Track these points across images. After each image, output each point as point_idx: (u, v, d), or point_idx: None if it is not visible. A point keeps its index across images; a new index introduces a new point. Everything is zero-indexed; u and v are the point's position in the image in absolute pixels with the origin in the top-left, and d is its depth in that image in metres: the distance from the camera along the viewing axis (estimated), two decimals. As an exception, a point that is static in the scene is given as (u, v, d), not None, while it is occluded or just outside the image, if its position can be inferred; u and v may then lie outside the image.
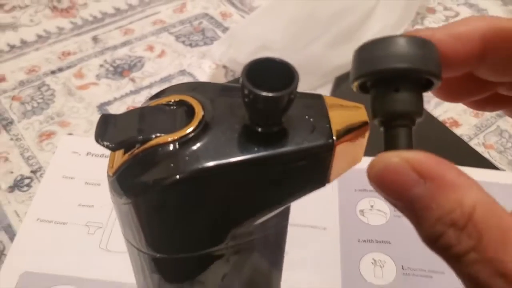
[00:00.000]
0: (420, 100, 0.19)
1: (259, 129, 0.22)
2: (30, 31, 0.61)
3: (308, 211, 0.43)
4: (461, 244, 0.16)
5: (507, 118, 0.53)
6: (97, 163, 0.47)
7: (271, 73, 0.21)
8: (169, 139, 0.21)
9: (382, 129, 0.20)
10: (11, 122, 0.51)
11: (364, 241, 0.42)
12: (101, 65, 0.57)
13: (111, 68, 0.57)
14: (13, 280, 0.39)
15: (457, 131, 0.52)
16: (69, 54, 0.58)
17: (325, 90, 0.53)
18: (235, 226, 0.24)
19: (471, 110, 0.54)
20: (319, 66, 0.53)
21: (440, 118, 0.53)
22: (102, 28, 0.62)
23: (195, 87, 0.24)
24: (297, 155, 0.22)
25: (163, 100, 0.23)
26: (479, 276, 0.16)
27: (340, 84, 0.54)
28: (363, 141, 0.23)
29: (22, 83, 0.55)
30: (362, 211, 0.44)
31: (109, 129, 0.22)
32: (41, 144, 0.49)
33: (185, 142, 0.21)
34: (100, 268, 0.40)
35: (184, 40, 0.60)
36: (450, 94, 0.23)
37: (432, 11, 0.67)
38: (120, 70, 0.56)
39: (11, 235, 0.42)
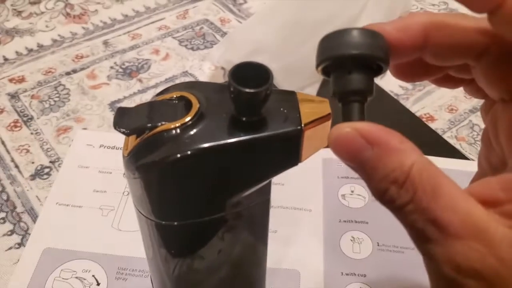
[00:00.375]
0: (370, 81, 0.23)
1: (243, 118, 0.27)
2: (46, 35, 0.67)
3: (295, 195, 0.49)
4: (401, 198, 0.19)
5: (479, 113, 0.59)
6: (109, 154, 0.52)
7: (251, 74, 0.26)
8: (172, 126, 0.27)
9: (340, 105, 0.23)
10: (31, 118, 0.56)
11: (345, 221, 0.47)
12: (112, 67, 0.63)
13: (120, 70, 0.62)
14: (37, 255, 0.44)
15: (433, 125, 0.57)
16: (82, 57, 0.64)
17: (313, 88, 0.59)
18: (226, 197, 0.30)
19: (446, 106, 0.60)
20: (308, 67, 0.58)
21: (418, 114, 0.58)
22: (112, 33, 0.67)
23: (193, 86, 0.30)
24: (274, 138, 0.27)
25: (167, 96, 0.29)
26: (415, 224, 0.19)
27: (326, 83, 0.60)
28: (327, 128, 0.29)
29: (40, 83, 0.60)
30: (343, 196, 0.49)
31: (124, 118, 0.28)
32: (58, 138, 0.54)
33: (185, 128, 0.27)
34: (112, 244, 0.45)
35: (186, 44, 0.66)
36: (406, 75, 0.27)
37: (415, 16, 0.72)
38: (128, 72, 0.62)
39: (34, 217, 0.47)
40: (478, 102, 0.60)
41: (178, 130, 0.27)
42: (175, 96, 0.29)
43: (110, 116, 0.57)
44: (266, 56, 0.57)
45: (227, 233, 0.33)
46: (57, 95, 0.59)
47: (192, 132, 0.27)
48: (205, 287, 0.38)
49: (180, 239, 0.33)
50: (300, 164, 0.52)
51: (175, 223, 0.30)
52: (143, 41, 0.66)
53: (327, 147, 0.30)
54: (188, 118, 0.27)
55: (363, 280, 0.43)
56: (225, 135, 0.27)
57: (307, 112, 0.28)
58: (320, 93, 0.58)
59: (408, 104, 0.59)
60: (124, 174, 0.50)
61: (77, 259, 0.44)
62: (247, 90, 0.26)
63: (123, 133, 0.28)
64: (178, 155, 0.26)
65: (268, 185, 0.32)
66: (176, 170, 0.27)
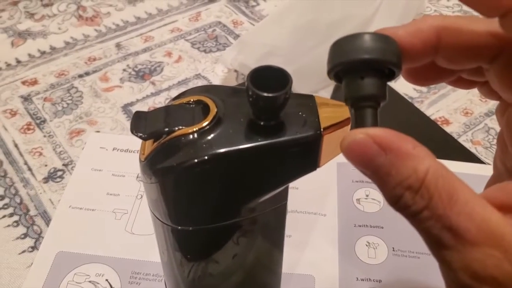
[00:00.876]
0: (383, 86, 0.23)
1: (261, 123, 0.27)
2: (59, 38, 0.67)
3: (310, 199, 0.48)
4: (416, 204, 0.19)
5: (495, 117, 0.58)
6: (122, 157, 0.52)
7: (270, 78, 0.26)
8: (189, 131, 0.27)
9: (352, 111, 0.23)
10: (44, 121, 0.56)
11: (360, 226, 0.47)
12: (124, 70, 0.62)
13: (133, 72, 0.62)
14: (50, 258, 0.44)
15: (448, 128, 0.56)
16: (94, 59, 0.64)
17: (327, 92, 0.58)
18: (243, 202, 0.29)
19: (461, 109, 0.59)
20: (321, 70, 0.57)
21: (432, 117, 0.57)
22: (125, 36, 0.67)
23: (209, 89, 0.29)
24: (292, 143, 0.27)
25: (183, 100, 0.29)
26: (431, 231, 0.19)
27: (341, 86, 0.59)
28: (345, 133, 0.28)
29: (52, 86, 0.60)
30: (358, 200, 0.49)
31: (141, 123, 0.28)
32: (71, 141, 0.54)
33: (202, 133, 0.27)
34: (125, 248, 0.45)
35: (199, 46, 0.66)
36: (419, 79, 0.27)
37: (429, 18, 0.71)
38: (141, 74, 0.62)
39: (47, 220, 0.47)
40: (493, 105, 0.59)
41: (196, 135, 0.27)
42: (191, 100, 0.28)
43: (123, 119, 0.56)
44: (279, 59, 0.57)
45: (242, 238, 0.33)
46: (70, 97, 0.59)
47: (209, 137, 0.27)
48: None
49: (195, 244, 0.32)
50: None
51: (191, 228, 0.30)
52: (156, 44, 0.66)
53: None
54: (205, 123, 0.27)
55: (378, 286, 0.42)
56: (243, 140, 0.27)
57: (325, 116, 0.28)
58: (334, 96, 0.58)
59: (423, 107, 0.59)
60: (138, 177, 0.50)
61: (91, 263, 0.44)
62: (266, 94, 0.25)
63: (140, 137, 0.27)
64: (196, 160, 0.26)
65: (285, 190, 0.31)
66: (193, 175, 0.27)
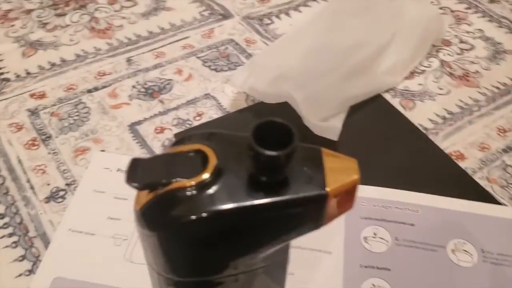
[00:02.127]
0: None
1: (263, 179, 0.26)
2: (70, 50, 0.66)
3: (316, 236, 0.47)
4: None
5: (513, 153, 0.56)
6: (125, 179, 0.51)
7: (275, 133, 0.25)
8: (188, 184, 0.25)
9: None
10: (49, 137, 0.55)
11: (366, 266, 0.45)
12: (134, 86, 0.61)
13: (142, 90, 0.61)
14: (47, 284, 0.43)
15: (463, 164, 0.54)
16: (104, 74, 0.63)
17: (339, 119, 0.56)
18: (242, 258, 0.28)
19: (477, 144, 0.57)
20: (334, 96, 0.56)
21: (447, 151, 0.55)
22: (136, 50, 0.66)
23: (210, 137, 0.28)
24: (295, 202, 0.25)
25: (183, 148, 0.27)
26: None
27: (353, 114, 0.58)
28: (353, 193, 0.27)
29: (60, 100, 0.60)
30: (365, 238, 0.47)
31: (137, 172, 0.26)
32: (76, 159, 0.53)
33: (201, 187, 0.25)
34: (123, 277, 0.44)
35: (210, 64, 0.65)
36: None
37: (447, 43, 0.69)
38: (150, 92, 0.61)
39: (46, 242, 0.46)
40: (511, 141, 0.58)
41: (194, 189, 0.25)
42: (190, 148, 0.27)
43: (128, 138, 0.55)
44: (291, 83, 0.55)
45: (244, 285, 0.32)
46: (77, 113, 0.58)
47: (208, 192, 0.25)
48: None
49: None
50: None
51: (188, 279, 0.29)
52: (167, 60, 0.65)
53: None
54: (205, 176, 0.25)
55: (382, 334, 0.40)
56: (244, 197, 0.25)
57: (332, 174, 0.26)
58: (346, 123, 0.56)
59: (437, 139, 0.57)
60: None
61: (88, 293, 0.43)
62: (268, 153, 0.24)
63: (135, 187, 0.26)
64: (194, 217, 0.25)
65: (287, 245, 0.30)
66: (191, 231, 0.25)
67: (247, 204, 0.25)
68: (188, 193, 0.25)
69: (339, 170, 0.27)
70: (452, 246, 0.46)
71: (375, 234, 0.47)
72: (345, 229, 0.47)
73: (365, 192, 0.50)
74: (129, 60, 0.65)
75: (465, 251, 0.46)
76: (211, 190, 0.25)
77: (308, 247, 0.46)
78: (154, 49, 0.67)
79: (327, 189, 0.26)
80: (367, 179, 0.50)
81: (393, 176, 0.52)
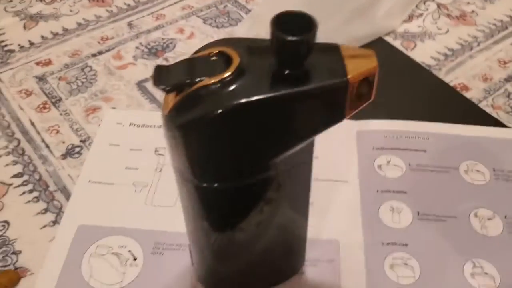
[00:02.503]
0: None
1: (286, 71, 0.27)
2: (71, 19, 0.67)
3: (331, 168, 0.48)
4: None
5: (516, 81, 0.57)
6: (139, 132, 0.52)
7: (294, 24, 0.26)
8: (212, 81, 0.26)
9: None
10: (60, 100, 0.56)
11: (382, 191, 0.46)
12: (137, 47, 0.62)
13: (146, 50, 0.62)
14: (72, 232, 0.44)
15: (467, 94, 0.55)
16: (107, 38, 0.64)
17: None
18: (269, 156, 0.29)
19: (480, 75, 0.58)
20: (336, 39, 0.57)
21: (451, 84, 0.56)
22: (136, 15, 0.67)
23: (232, 41, 0.29)
24: (318, 91, 0.26)
25: (205, 52, 0.28)
26: None
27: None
28: (373, 82, 0.28)
29: (66, 66, 0.60)
30: (380, 166, 0.48)
31: (163, 76, 0.27)
32: (88, 118, 0.54)
33: (225, 83, 0.26)
34: (147, 220, 0.45)
35: (211, 22, 0.65)
36: None
37: (443, -14, 0.70)
38: (154, 51, 0.61)
39: (67, 195, 0.47)
40: (514, 70, 0.59)
41: (219, 86, 0.26)
42: (214, 52, 0.28)
43: (138, 95, 0.56)
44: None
45: (268, 200, 0.33)
46: (84, 76, 0.59)
47: (233, 87, 0.26)
48: (245, 258, 0.37)
49: (219, 204, 0.32)
50: (334, 137, 0.51)
51: (215, 185, 0.30)
52: (167, 21, 0.66)
53: (371, 102, 0.29)
54: (228, 73, 0.26)
55: (405, 250, 0.42)
56: (268, 89, 0.26)
57: (352, 63, 0.27)
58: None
59: (441, 75, 0.58)
60: (157, 151, 0.50)
61: (112, 235, 0.43)
62: (291, 38, 0.25)
63: (163, 90, 0.27)
64: (220, 111, 0.26)
65: (310, 147, 0.31)
66: (217, 126, 0.26)
67: (271, 95, 0.26)
68: (214, 90, 0.26)
69: (358, 60, 0.28)
70: (465, 167, 0.47)
71: (388, 162, 0.48)
72: (359, 160, 0.48)
73: (375, 125, 0.51)
74: (130, 24, 0.65)
75: (477, 171, 0.47)
76: (235, 86, 0.26)
77: (324, 178, 0.47)
78: (154, 12, 0.67)
79: (348, 76, 0.26)
80: (377, 114, 0.52)
81: (402, 110, 0.53)
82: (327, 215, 0.44)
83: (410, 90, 0.56)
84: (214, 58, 0.28)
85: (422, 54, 0.61)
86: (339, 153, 0.49)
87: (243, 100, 0.26)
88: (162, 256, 0.42)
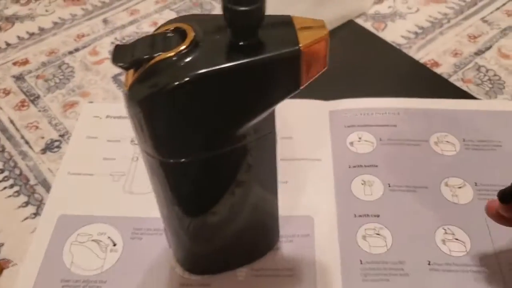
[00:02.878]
0: None
1: (240, 43, 0.27)
2: (46, 19, 0.67)
3: (304, 147, 0.49)
4: None
5: (485, 55, 0.58)
6: (116, 123, 0.53)
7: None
8: (168, 55, 0.27)
9: None
10: (38, 97, 0.57)
11: (354, 166, 0.47)
12: (112, 42, 0.63)
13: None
14: (53, 221, 0.44)
15: (438, 70, 0.56)
16: (83, 36, 0.64)
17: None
18: (230, 127, 0.29)
19: (450, 51, 0.59)
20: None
21: (422, 61, 0.58)
22: (111, 11, 0.68)
23: (188, 18, 0.30)
24: (272, 60, 0.27)
25: (162, 29, 0.29)
26: None
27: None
28: (325, 50, 0.29)
29: (44, 64, 0.61)
30: (351, 143, 0.49)
31: (121, 54, 0.28)
32: (66, 113, 0.55)
33: (181, 56, 0.27)
34: (125, 207, 0.45)
35: (184, 14, 0.66)
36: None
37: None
38: (129, 45, 0.62)
39: (47, 187, 0.48)
40: (483, 44, 0.60)
41: (175, 59, 0.27)
42: (170, 28, 0.29)
43: (114, 88, 0.57)
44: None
45: (236, 177, 0.33)
46: (61, 73, 0.59)
47: (189, 59, 0.27)
48: (219, 238, 0.38)
49: (188, 181, 0.33)
50: (308, 119, 0.52)
51: (182, 160, 0.30)
52: (142, 16, 0.66)
53: (325, 70, 0.30)
54: (183, 46, 0.27)
55: (377, 220, 0.43)
56: (222, 60, 0.27)
57: (304, 34, 0.28)
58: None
59: (411, 53, 0.59)
60: (133, 141, 0.51)
61: (92, 223, 0.44)
62: (240, 8, 0.26)
63: (121, 67, 0.28)
64: (176, 83, 0.26)
65: (272, 116, 0.32)
66: (176, 98, 0.27)
67: (226, 65, 0.27)
68: (170, 63, 0.27)
69: (309, 30, 0.28)
70: (435, 139, 0.48)
71: (360, 138, 0.49)
72: (331, 138, 0.49)
73: (347, 104, 0.52)
74: (105, 21, 0.66)
75: (448, 142, 0.48)
76: (191, 58, 0.27)
77: (297, 157, 0.48)
78: (128, 7, 0.68)
79: (300, 45, 0.27)
80: (348, 93, 0.53)
81: (374, 89, 0.54)
82: (302, 192, 0.45)
83: (382, 69, 0.57)
84: (170, 34, 0.29)
85: (393, 34, 0.62)
86: (312, 133, 0.50)
87: (200, 71, 0.27)
88: (140, 241, 0.43)
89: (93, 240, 0.43)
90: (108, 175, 0.48)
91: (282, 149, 0.49)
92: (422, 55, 0.58)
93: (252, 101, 0.29)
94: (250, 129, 0.30)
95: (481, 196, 0.44)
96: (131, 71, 0.28)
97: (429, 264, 0.40)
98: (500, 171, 0.46)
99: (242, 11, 0.26)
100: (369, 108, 0.51)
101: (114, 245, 0.43)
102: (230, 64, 0.27)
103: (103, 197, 0.46)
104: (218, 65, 0.27)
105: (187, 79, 0.26)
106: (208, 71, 0.27)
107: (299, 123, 0.51)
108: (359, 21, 0.64)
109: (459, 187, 0.45)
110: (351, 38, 0.61)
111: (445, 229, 0.42)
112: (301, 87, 0.29)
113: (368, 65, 0.57)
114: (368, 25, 0.63)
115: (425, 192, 0.44)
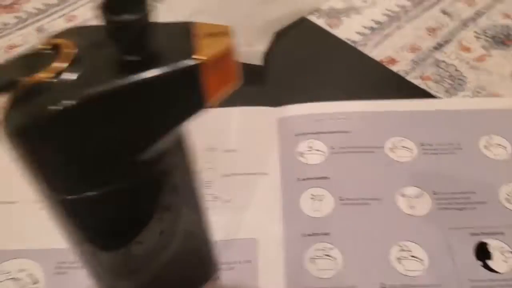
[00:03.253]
0: None
1: (127, 58, 0.23)
2: (-24, 30, 0.63)
3: (249, 160, 0.45)
4: None
5: (444, 49, 0.54)
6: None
7: (127, 5, 0.22)
8: (42, 76, 0.23)
9: None
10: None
11: (304, 179, 0.43)
12: (46, 53, 0.58)
13: (55, 54, 0.58)
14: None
15: (395, 67, 0.52)
16: (14, 46, 0.59)
17: (261, 43, 0.54)
18: (127, 155, 0.25)
19: (408, 46, 0.55)
20: (253, 22, 0.54)
21: (378, 58, 0.54)
22: (47, 18, 0.63)
23: (69, 31, 0.25)
24: (163, 75, 0.23)
25: (40, 47, 0.25)
26: None
27: (279, 39, 0.56)
28: (231, 62, 0.24)
29: (-30, 80, 0.56)
30: (301, 153, 0.45)
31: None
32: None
33: (59, 78, 0.22)
34: (48, 238, 0.40)
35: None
36: None
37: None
38: (64, 55, 0.57)
39: (-33, 220, 0.43)
40: (442, 38, 0.56)
41: (52, 81, 0.22)
42: (48, 46, 0.24)
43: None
44: (207, 16, 0.52)
45: (151, 205, 0.29)
46: (-11, 89, 0.54)
47: (68, 81, 0.22)
48: (145, 272, 0.34)
49: (93, 217, 0.28)
50: (253, 128, 0.48)
51: (81, 195, 0.26)
52: (80, 22, 0.62)
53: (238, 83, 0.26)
54: (62, 65, 0.23)
55: (326, 240, 0.38)
56: (105, 79, 0.22)
57: (204, 43, 0.24)
58: (273, 48, 0.54)
59: (366, 50, 0.55)
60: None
61: (12, 259, 0.40)
62: (121, 19, 0.21)
63: (-14, 92, 0.23)
64: (52, 109, 0.22)
65: (181, 141, 0.27)
66: (54, 126, 0.23)
67: (109, 85, 0.22)
68: (45, 87, 0.22)
69: (211, 39, 0.24)
70: (390, 145, 0.45)
71: (310, 147, 0.45)
72: (280, 149, 0.45)
73: (296, 110, 0.48)
74: (40, 29, 0.61)
75: (404, 147, 0.44)
76: (71, 78, 0.23)
77: (242, 172, 0.44)
78: (65, 14, 0.63)
79: (196, 56, 0.23)
80: (299, 98, 0.48)
81: (326, 91, 0.50)
82: (246, 212, 0.41)
83: (335, 69, 0.53)
84: (48, 51, 0.24)
85: (347, 30, 0.58)
86: (259, 144, 0.46)
87: (82, 92, 0.22)
88: (64, 276, 0.38)
89: (11, 279, 0.39)
90: (33, 202, 0.44)
91: (225, 164, 0.44)
92: (378, 52, 0.54)
93: (147, 123, 0.24)
94: (159, 154, 0.26)
95: (441, 205, 0.40)
96: (10, 96, 0.24)
97: (383, 287, 0.36)
98: (460, 177, 0.42)
99: (122, 22, 0.21)
100: (320, 113, 0.47)
101: (35, 283, 0.38)
102: (114, 84, 0.22)
103: (26, 227, 0.42)
104: (99, 85, 0.22)
105: (65, 105, 0.22)
106: (87, 93, 0.22)
107: (244, 134, 0.47)
108: (313, 18, 0.59)
109: (416, 197, 0.41)
110: (303, 36, 0.57)
111: (400, 246, 0.38)
112: (209, 104, 0.25)
113: (321, 66, 0.53)
114: (321, 22, 0.59)
115: (379, 205, 0.41)
